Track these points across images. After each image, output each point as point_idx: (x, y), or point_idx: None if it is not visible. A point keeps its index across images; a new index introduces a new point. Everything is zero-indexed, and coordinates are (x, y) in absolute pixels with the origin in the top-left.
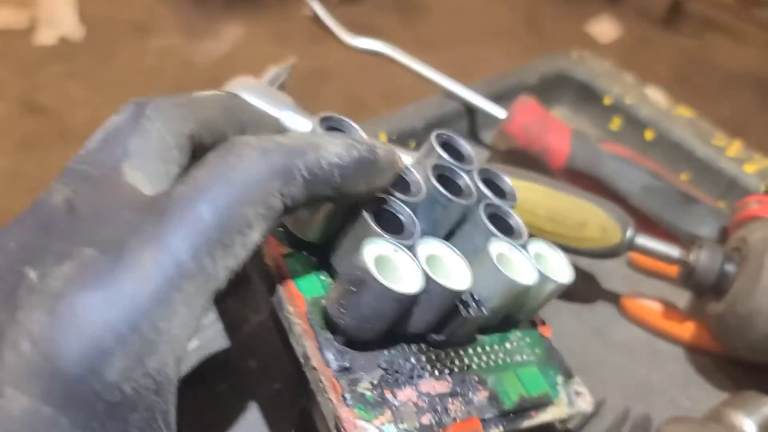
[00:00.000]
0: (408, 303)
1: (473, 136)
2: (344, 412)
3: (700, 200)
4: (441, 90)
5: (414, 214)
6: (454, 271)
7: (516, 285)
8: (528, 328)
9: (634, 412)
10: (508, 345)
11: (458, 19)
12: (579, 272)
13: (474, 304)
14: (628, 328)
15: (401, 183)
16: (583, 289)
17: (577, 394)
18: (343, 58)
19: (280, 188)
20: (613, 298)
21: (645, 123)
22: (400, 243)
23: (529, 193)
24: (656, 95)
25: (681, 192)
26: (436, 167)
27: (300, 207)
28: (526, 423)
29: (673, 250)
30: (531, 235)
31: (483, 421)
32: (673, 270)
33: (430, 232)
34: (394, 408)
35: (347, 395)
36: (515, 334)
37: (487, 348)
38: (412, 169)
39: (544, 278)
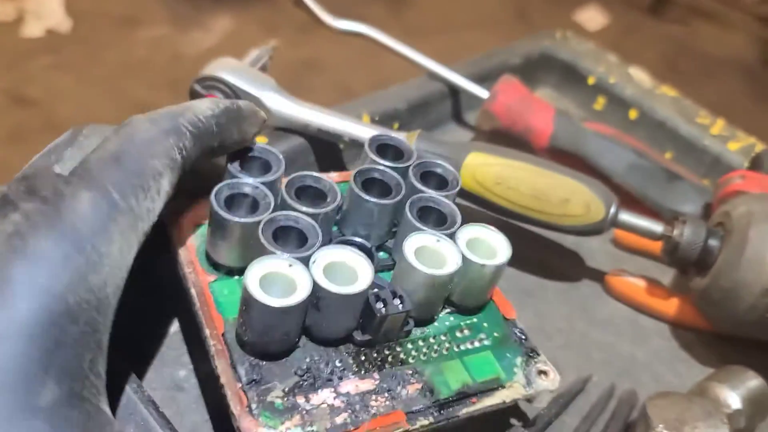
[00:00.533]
0: (297, 313)
1: (457, 117)
2: (246, 422)
3: (684, 178)
4: (425, 72)
5: (342, 221)
6: (358, 273)
7: (434, 277)
8: (487, 312)
9: (619, 389)
10: (458, 333)
11: (446, 8)
12: (564, 251)
13: (395, 301)
14: (612, 305)
15: (316, 192)
16: (568, 268)
17: (541, 372)
18: (332, 48)
19: (176, 142)
20: (598, 276)
21: (629, 102)
22: (297, 256)
23: (512, 172)
24: (640, 75)
25: (665, 170)
26: (359, 172)
27: (194, 158)
28: (465, 410)
29: (657, 226)
30: (484, 220)
31: (410, 413)
32: (657, 248)
33: (368, 233)
34: (304, 412)
35: (254, 405)
36: (470, 321)
37: (431, 340)
38: (321, 176)
39: (469, 263)
